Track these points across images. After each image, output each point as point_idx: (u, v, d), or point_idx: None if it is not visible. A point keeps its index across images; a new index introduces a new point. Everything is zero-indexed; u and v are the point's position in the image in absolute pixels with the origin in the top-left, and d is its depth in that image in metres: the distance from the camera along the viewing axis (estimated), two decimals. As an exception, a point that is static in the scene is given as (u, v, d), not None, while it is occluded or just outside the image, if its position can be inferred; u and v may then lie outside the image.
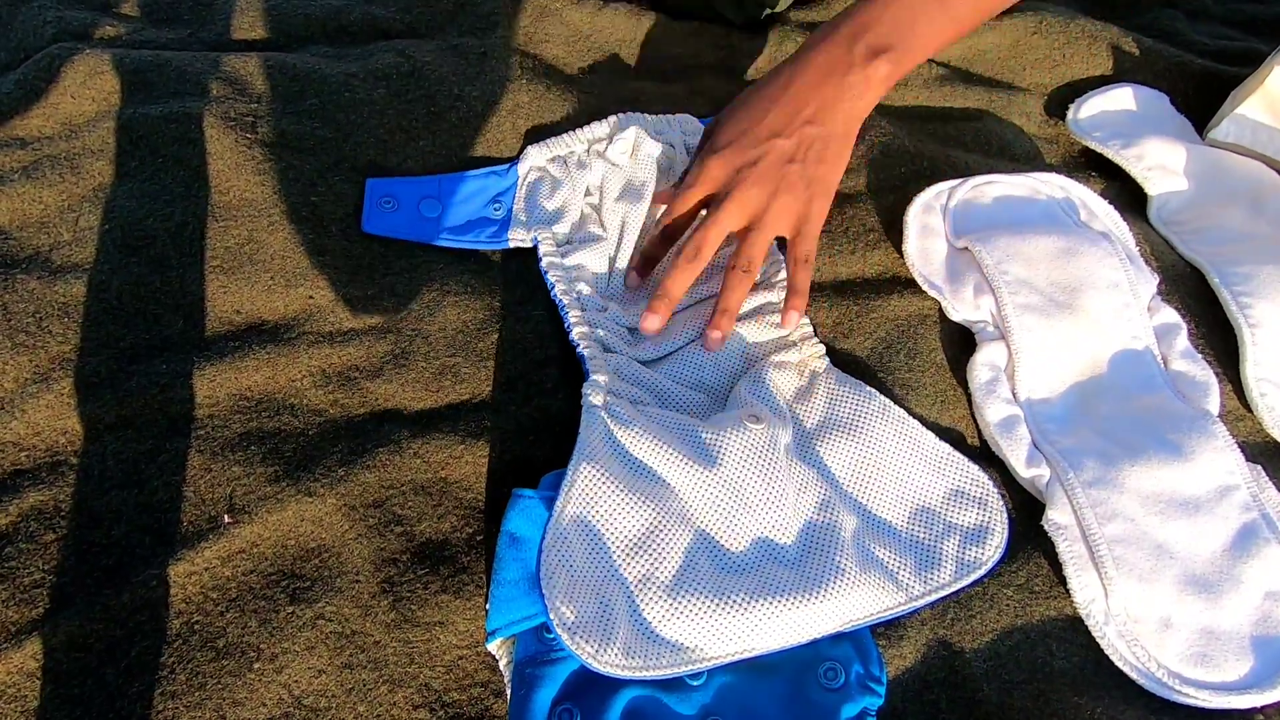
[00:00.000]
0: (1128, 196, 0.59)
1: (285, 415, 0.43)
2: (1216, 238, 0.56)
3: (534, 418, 0.44)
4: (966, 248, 0.50)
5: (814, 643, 0.37)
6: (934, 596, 0.39)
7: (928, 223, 0.52)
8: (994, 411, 0.44)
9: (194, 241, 0.48)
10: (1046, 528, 0.40)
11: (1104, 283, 0.48)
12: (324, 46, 0.60)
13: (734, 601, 0.36)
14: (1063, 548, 0.39)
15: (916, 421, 0.44)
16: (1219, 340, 0.51)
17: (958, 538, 0.40)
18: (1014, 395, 0.45)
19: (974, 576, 0.39)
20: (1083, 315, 0.47)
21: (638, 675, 0.34)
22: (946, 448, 0.43)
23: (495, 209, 0.51)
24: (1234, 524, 0.39)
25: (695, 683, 0.36)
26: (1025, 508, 0.44)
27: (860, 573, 0.38)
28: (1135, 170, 0.59)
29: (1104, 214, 0.54)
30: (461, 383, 0.45)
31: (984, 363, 0.46)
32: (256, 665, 0.36)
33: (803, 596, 0.36)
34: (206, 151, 0.51)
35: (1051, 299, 0.47)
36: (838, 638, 0.37)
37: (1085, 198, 0.55)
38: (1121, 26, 0.68)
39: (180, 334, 0.45)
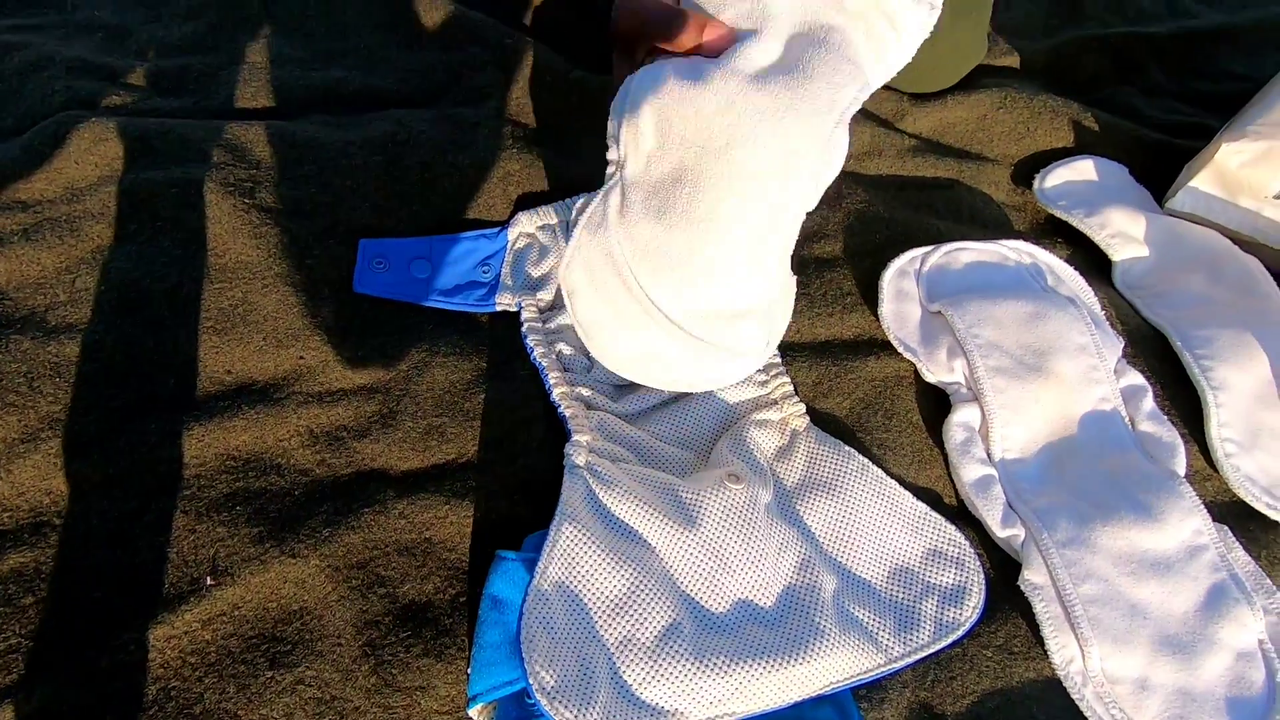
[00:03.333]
0: (1092, 262, 0.62)
1: (272, 475, 0.43)
2: (1178, 302, 0.58)
3: (520, 476, 0.45)
4: (940, 311, 0.52)
5: (796, 705, 0.37)
6: (914, 658, 0.39)
7: (902, 287, 0.54)
8: (969, 472, 0.45)
9: (189, 302, 0.49)
10: (1023, 588, 0.41)
11: (1072, 346, 0.49)
12: (323, 115, 0.62)
13: (715, 664, 0.36)
14: (1039, 608, 0.40)
15: (894, 482, 0.45)
16: (1184, 401, 0.53)
17: (936, 598, 0.41)
18: (988, 456, 0.46)
19: (953, 637, 0.40)
20: (1052, 378, 0.48)
21: (619, 741, 0.34)
22: (924, 508, 0.44)
23: (484, 271, 0.53)
24: (1204, 584, 0.40)
25: (677, 748, 0.36)
26: (1003, 568, 0.44)
27: (840, 634, 0.38)
28: (1099, 237, 0.61)
29: (1070, 279, 0.57)
30: (448, 442, 0.45)
31: (958, 423, 0.47)
32: (233, 732, 0.35)
33: (784, 658, 0.37)
34: (205, 215, 0.53)
35: (1021, 361, 0.49)
36: (819, 700, 0.37)
37: (1052, 264, 0.57)
38: (1081, 102, 0.72)
39: (171, 394, 0.45)
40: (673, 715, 0.35)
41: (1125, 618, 0.39)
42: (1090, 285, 0.57)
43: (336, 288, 0.51)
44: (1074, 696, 0.38)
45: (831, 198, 0.61)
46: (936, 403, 0.51)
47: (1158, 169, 0.68)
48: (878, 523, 0.43)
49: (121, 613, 0.38)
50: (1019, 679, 0.40)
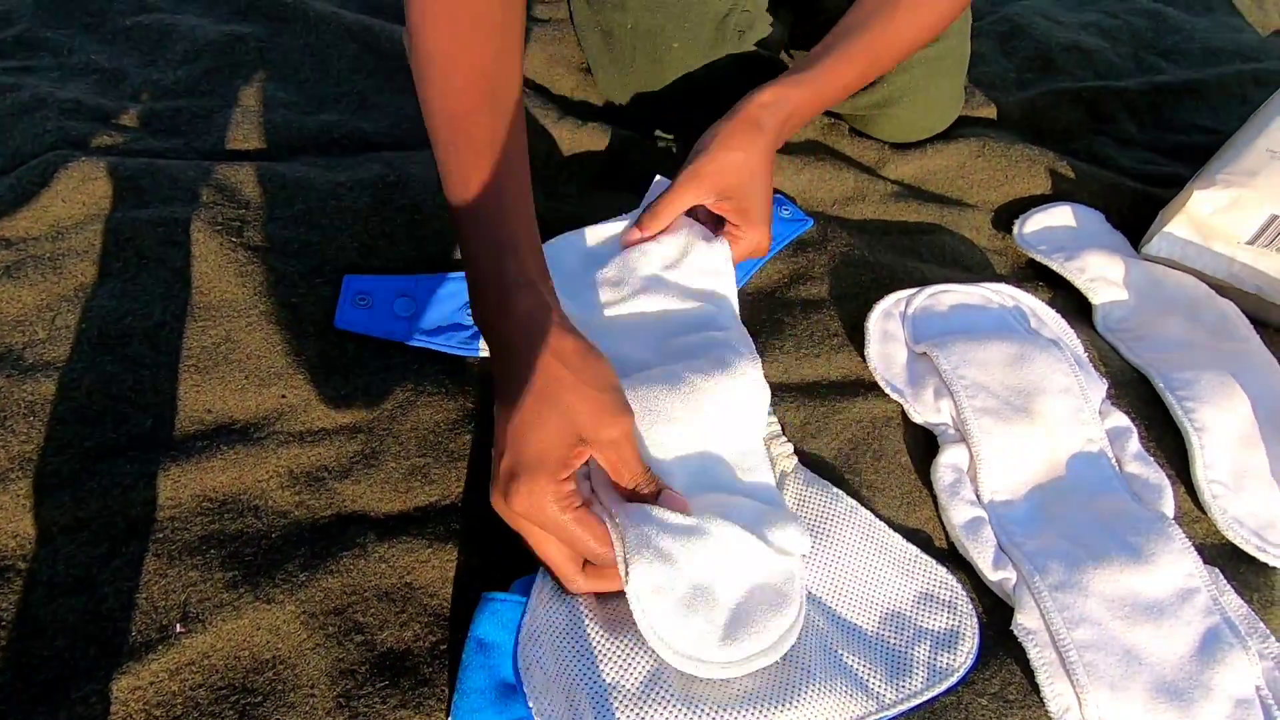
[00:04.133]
0: (1074, 305, 0.63)
1: (248, 517, 0.42)
2: (1159, 345, 0.59)
3: (502, 521, 0.44)
4: (925, 353, 0.53)
5: (787, 758, 0.35)
6: (907, 705, 0.38)
7: (888, 329, 0.54)
8: (959, 514, 0.45)
9: (171, 340, 0.48)
10: (1016, 632, 0.40)
11: (1056, 387, 0.50)
12: (314, 157, 0.63)
13: (702, 712, 0.35)
14: (1034, 654, 0.39)
15: (884, 524, 0.45)
16: (1169, 442, 0.53)
17: (928, 643, 0.40)
18: (977, 497, 0.46)
19: (947, 684, 0.39)
20: (1038, 419, 0.48)
21: (604, 796, 0.33)
22: (914, 550, 0.44)
23: (469, 314, 0.52)
24: (1198, 628, 0.40)
25: (664, 804, 0.34)
26: (996, 611, 0.43)
27: (830, 680, 0.37)
28: (1079, 281, 0.62)
29: (1052, 321, 0.57)
30: (431, 484, 0.45)
31: (946, 464, 0.47)
32: (197, 791, 0.34)
33: (773, 705, 0.35)
34: (191, 254, 0.52)
35: (1007, 402, 0.49)
36: (811, 752, 0.36)
37: (1035, 307, 0.58)
38: (1056, 151, 0.74)
39: (148, 433, 0.44)
40: (660, 768, 0.34)
41: (1121, 664, 0.38)
42: (1072, 327, 0.58)
43: (321, 326, 0.51)
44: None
45: (817, 241, 0.62)
46: (925, 444, 0.51)
47: (1133, 215, 0.70)
48: (868, 565, 0.42)
49: (85, 663, 0.36)
50: (1015, 728, 0.39)
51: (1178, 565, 0.42)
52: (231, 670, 0.37)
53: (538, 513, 0.36)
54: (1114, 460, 0.49)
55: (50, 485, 0.42)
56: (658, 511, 0.37)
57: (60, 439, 0.43)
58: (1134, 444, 0.50)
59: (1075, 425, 0.49)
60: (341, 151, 0.64)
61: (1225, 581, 0.43)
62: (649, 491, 0.39)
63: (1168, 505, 0.46)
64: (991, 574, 0.42)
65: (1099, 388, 0.52)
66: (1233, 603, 0.42)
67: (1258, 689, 0.39)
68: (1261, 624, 0.42)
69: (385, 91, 0.70)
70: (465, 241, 0.40)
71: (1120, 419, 0.51)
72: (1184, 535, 0.44)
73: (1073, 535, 0.44)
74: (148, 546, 0.40)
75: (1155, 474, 0.48)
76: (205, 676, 0.37)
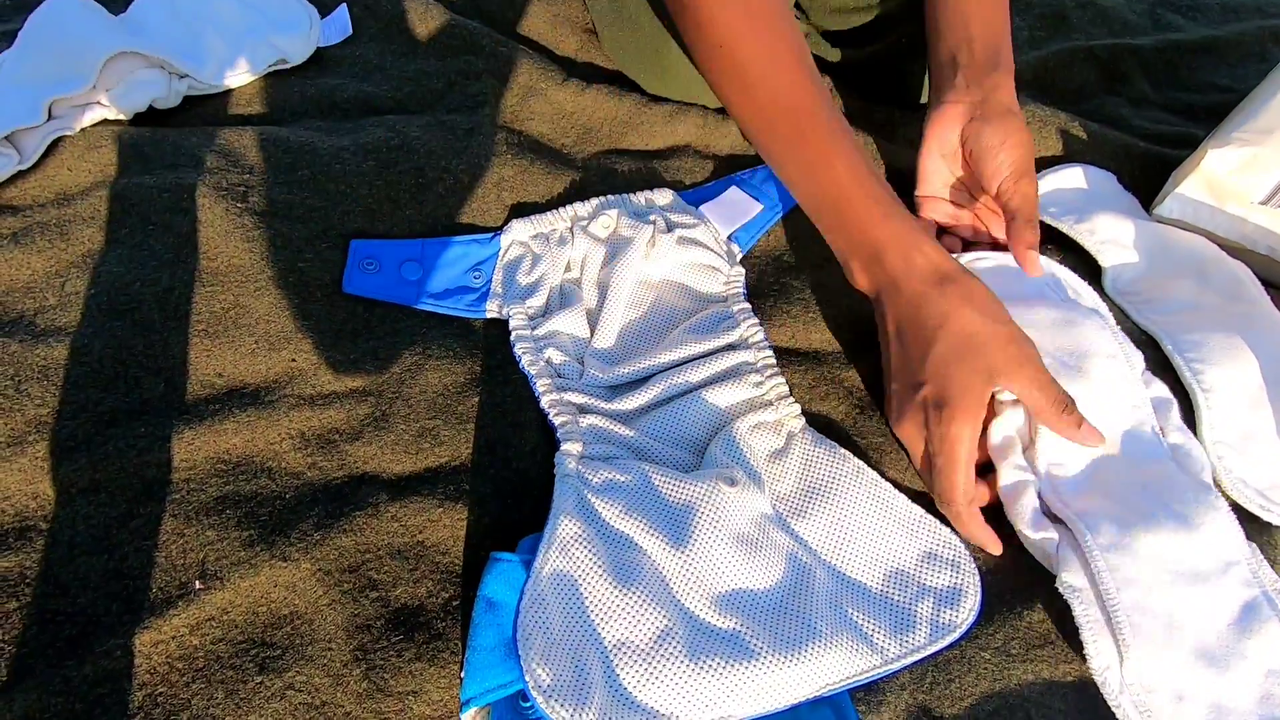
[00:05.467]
0: (1083, 268, 0.62)
1: (263, 478, 0.43)
2: (1168, 307, 0.59)
3: (513, 481, 0.44)
4: None
5: (793, 708, 0.36)
6: (910, 659, 0.39)
7: None
8: (1004, 476, 0.44)
9: (180, 306, 0.49)
10: (1062, 590, 0.40)
11: (1104, 352, 0.49)
12: (317, 121, 0.63)
13: (711, 666, 0.36)
14: (1079, 610, 0.39)
15: (889, 484, 0.45)
16: (1177, 405, 0.53)
17: (931, 600, 0.41)
18: (1030, 460, 0.45)
19: (950, 639, 0.40)
20: (1091, 381, 0.47)
21: (614, 744, 0.34)
22: (919, 510, 0.44)
23: (475, 277, 0.53)
24: (1238, 599, 0.40)
25: (673, 752, 0.35)
26: (1000, 571, 0.44)
27: (835, 635, 0.38)
28: (1089, 244, 0.62)
29: (1085, 291, 0.56)
30: (441, 446, 0.45)
31: (999, 429, 0.46)
32: (220, 739, 0.35)
33: (779, 660, 0.36)
34: (197, 219, 0.52)
35: (1063, 362, 0.48)
36: (817, 703, 0.37)
37: (1066, 278, 0.57)
38: (1069, 112, 0.73)
39: (161, 397, 0.45)
40: (668, 718, 0.35)
41: (1165, 627, 0.38)
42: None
43: (329, 291, 0.51)
44: (1110, 703, 0.37)
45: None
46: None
47: (1145, 177, 0.69)
48: (873, 525, 0.43)
49: (108, 618, 0.37)
50: (1017, 681, 0.40)
51: (1222, 536, 0.42)
52: (251, 625, 0.38)
53: (952, 445, 0.41)
54: (1158, 429, 0.48)
55: (67, 448, 0.42)
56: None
57: (75, 403, 0.44)
58: (1175, 415, 0.49)
59: (1123, 391, 0.48)
60: (345, 116, 0.64)
61: (1262, 556, 0.43)
62: (1073, 418, 0.42)
63: (1209, 476, 0.46)
64: (1033, 534, 0.42)
65: (1138, 357, 0.51)
66: (1269, 576, 0.42)
67: None
68: None
69: (390, 54, 0.70)
70: (839, 212, 0.46)
71: (1162, 389, 0.50)
72: (1228, 507, 0.44)
73: (1122, 499, 0.43)
74: (164, 507, 0.41)
75: (1196, 447, 0.47)
76: (225, 631, 0.38)
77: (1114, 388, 0.48)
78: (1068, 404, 0.42)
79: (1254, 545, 0.43)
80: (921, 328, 0.43)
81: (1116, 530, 0.41)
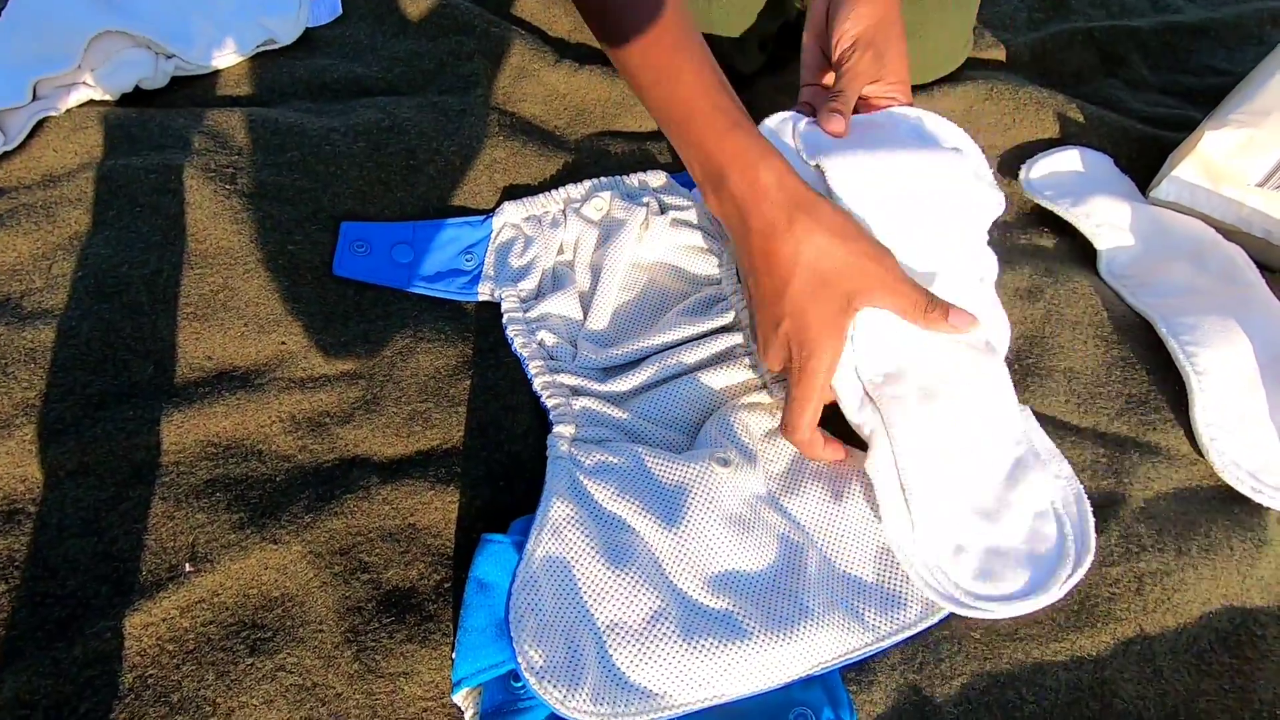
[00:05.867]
0: (1079, 251, 0.62)
1: (253, 461, 0.42)
2: (1163, 290, 0.58)
3: (504, 463, 0.44)
4: (818, 166, 0.48)
5: (785, 687, 0.36)
6: (901, 636, 0.39)
7: (781, 143, 0.50)
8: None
9: (168, 288, 0.48)
10: (869, 469, 0.41)
11: (949, 194, 0.47)
12: (307, 102, 0.62)
13: (703, 646, 0.36)
14: (880, 483, 0.41)
15: (882, 465, 0.45)
16: (1170, 388, 0.53)
17: (923, 580, 0.41)
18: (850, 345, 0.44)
19: (939, 617, 0.40)
20: (929, 225, 0.46)
21: (605, 723, 0.34)
22: (912, 491, 0.44)
23: (468, 260, 0.52)
24: (1010, 457, 0.42)
25: (665, 732, 0.35)
26: (991, 551, 0.44)
27: (826, 613, 0.38)
28: (1085, 227, 0.62)
29: (957, 137, 0.53)
30: (432, 428, 0.45)
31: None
32: (211, 720, 0.35)
33: (771, 639, 0.36)
34: (185, 201, 0.52)
35: (912, 194, 0.46)
36: (808, 681, 0.37)
37: (938, 126, 0.53)
38: (1066, 95, 0.72)
39: (149, 380, 0.45)
40: (661, 698, 0.35)
41: (947, 493, 0.40)
42: (1077, 274, 0.57)
43: (319, 273, 0.51)
44: (905, 566, 0.39)
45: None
46: (924, 389, 0.51)
47: (1142, 160, 0.69)
48: (864, 505, 0.43)
49: (97, 601, 0.37)
50: (1007, 660, 0.40)
51: (999, 403, 0.43)
52: (241, 607, 0.38)
53: (810, 379, 0.41)
54: (982, 281, 0.48)
55: (54, 431, 0.42)
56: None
57: (62, 386, 0.44)
58: (992, 277, 0.48)
59: (953, 239, 0.47)
60: (334, 97, 0.63)
61: (1032, 415, 0.45)
62: (937, 313, 0.41)
63: (1002, 345, 0.47)
64: (855, 417, 0.43)
65: (997, 205, 0.50)
66: (1037, 433, 0.44)
67: (1052, 503, 0.41)
68: (1060, 454, 0.44)
69: (380, 34, 0.69)
70: (686, 124, 0.43)
71: (990, 255, 0.49)
72: (1006, 372, 0.44)
73: (922, 371, 0.43)
74: (154, 490, 0.41)
75: (999, 311, 0.47)
76: (216, 613, 0.37)
77: (948, 236, 0.47)
78: (929, 303, 0.42)
79: (1026, 409, 0.45)
80: (776, 264, 0.42)
81: (915, 406, 0.42)
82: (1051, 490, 0.41)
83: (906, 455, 0.40)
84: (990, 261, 0.49)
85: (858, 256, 0.41)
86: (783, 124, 0.50)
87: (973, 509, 0.40)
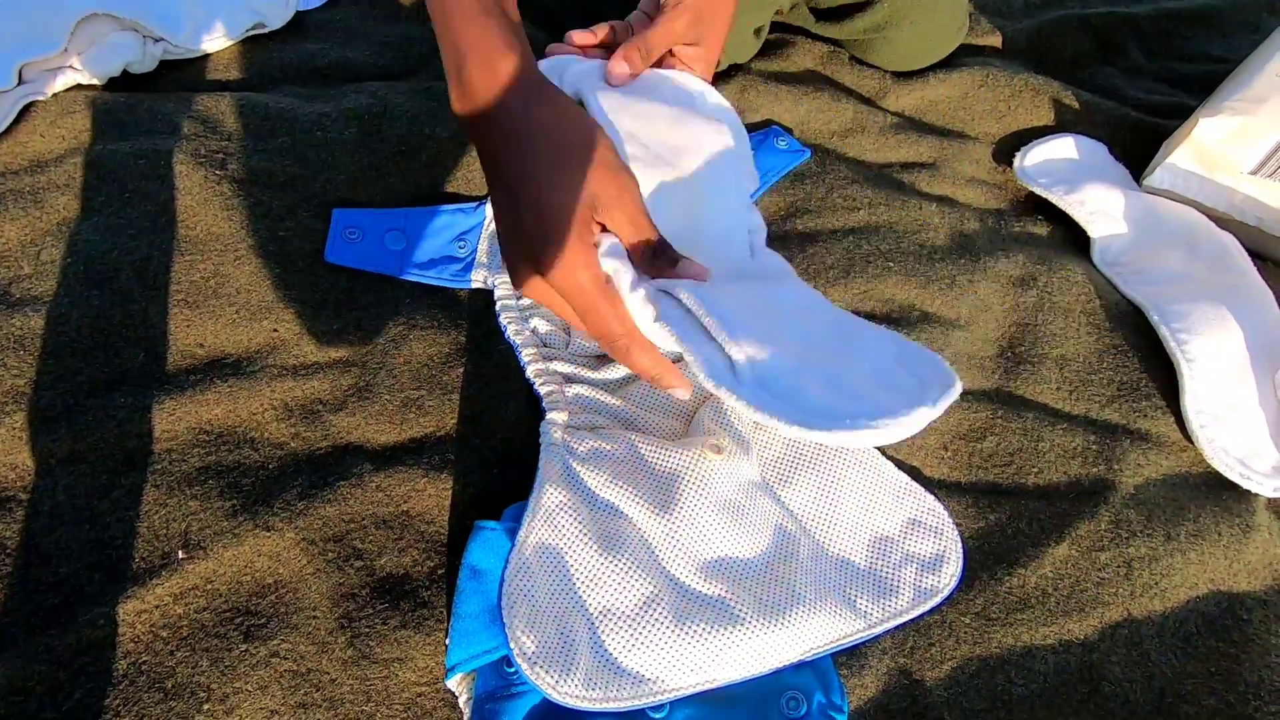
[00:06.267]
0: (1072, 238, 0.62)
1: (245, 449, 0.42)
2: (1155, 278, 0.59)
3: (498, 450, 0.44)
4: (581, 101, 0.47)
5: (776, 672, 0.37)
6: (892, 623, 0.39)
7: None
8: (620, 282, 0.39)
9: (158, 275, 0.48)
10: (661, 324, 0.36)
11: (708, 149, 0.46)
12: (297, 87, 0.61)
13: (695, 631, 0.36)
14: (680, 333, 0.35)
15: (876, 451, 0.45)
16: (1161, 375, 0.53)
17: (915, 566, 0.41)
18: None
19: (931, 603, 0.40)
20: (687, 178, 0.45)
21: (598, 707, 0.34)
22: (904, 478, 0.44)
23: (460, 247, 0.52)
24: (831, 323, 0.39)
25: (658, 716, 0.35)
26: (979, 537, 0.45)
27: (819, 600, 0.38)
28: (1078, 214, 0.62)
29: (711, 95, 0.52)
30: (425, 416, 0.45)
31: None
32: (206, 706, 0.35)
33: (763, 624, 0.37)
34: (175, 187, 0.51)
35: (659, 155, 0.46)
36: (799, 666, 0.37)
37: (690, 82, 0.53)
38: (1062, 82, 0.72)
39: (140, 367, 0.44)
40: (653, 683, 0.35)
41: (772, 330, 0.36)
42: (1070, 261, 0.57)
43: (310, 260, 0.50)
44: (732, 398, 0.33)
45: (814, 173, 0.61)
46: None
47: (1136, 148, 0.69)
48: (859, 492, 0.43)
49: (90, 588, 0.37)
50: (997, 645, 0.40)
51: (802, 290, 0.41)
52: (235, 594, 0.38)
53: (581, 288, 0.36)
54: (749, 244, 0.46)
55: (46, 418, 0.42)
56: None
57: (53, 373, 0.43)
58: (761, 239, 0.47)
59: (721, 196, 0.46)
60: (325, 82, 0.62)
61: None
62: (665, 259, 0.38)
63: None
64: (632, 292, 0.37)
65: (752, 178, 0.50)
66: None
67: (891, 354, 0.37)
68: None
69: (371, 18, 0.68)
70: (448, 15, 0.38)
71: (758, 217, 0.48)
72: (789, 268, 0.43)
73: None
74: (146, 478, 0.41)
75: (779, 261, 0.46)
76: (209, 600, 0.38)
77: (711, 191, 0.45)
78: (659, 245, 0.38)
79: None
80: (518, 164, 0.37)
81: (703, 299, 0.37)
82: (889, 343, 0.37)
83: (714, 302, 0.35)
84: (756, 221, 0.47)
85: (602, 164, 0.37)
86: (558, 65, 0.48)
87: (809, 349, 0.36)
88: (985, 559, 0.43)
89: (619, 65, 0.49)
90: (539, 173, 0.36)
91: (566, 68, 0.49)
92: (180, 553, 0.38)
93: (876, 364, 0.36)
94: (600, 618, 0.36)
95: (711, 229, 0.44)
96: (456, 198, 0.56)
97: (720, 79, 0.68)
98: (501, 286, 0.50)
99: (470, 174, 0.57)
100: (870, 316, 0.53)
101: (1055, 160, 0.65)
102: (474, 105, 0.38)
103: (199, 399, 0.43)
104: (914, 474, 0.46)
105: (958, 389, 0.34)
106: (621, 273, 0.37)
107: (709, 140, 0.47)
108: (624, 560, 0.38)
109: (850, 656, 0.39)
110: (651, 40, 0.50)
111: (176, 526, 0.39)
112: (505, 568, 0.36)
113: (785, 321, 0.37)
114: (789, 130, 0.64)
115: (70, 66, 0.57)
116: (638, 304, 0.37)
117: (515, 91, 0.37)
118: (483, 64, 0.37)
